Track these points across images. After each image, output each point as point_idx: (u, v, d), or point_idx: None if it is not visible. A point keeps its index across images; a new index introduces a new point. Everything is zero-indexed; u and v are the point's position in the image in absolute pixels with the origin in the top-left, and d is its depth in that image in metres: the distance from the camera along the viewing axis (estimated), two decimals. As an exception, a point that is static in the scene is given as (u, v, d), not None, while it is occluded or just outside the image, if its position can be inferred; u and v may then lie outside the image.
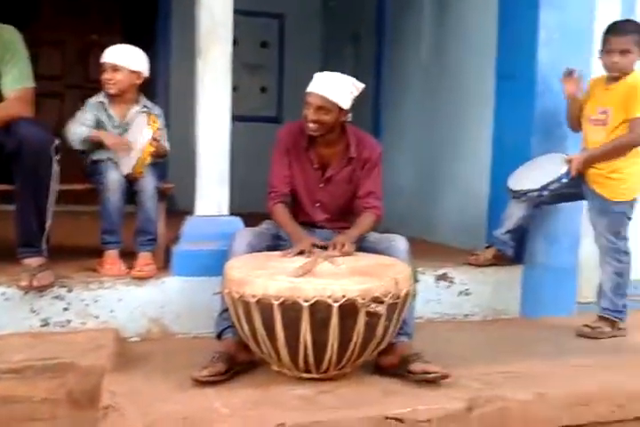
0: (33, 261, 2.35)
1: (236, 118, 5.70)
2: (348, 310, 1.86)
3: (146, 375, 2.09)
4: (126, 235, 2.60)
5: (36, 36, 4.55)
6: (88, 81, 4.98)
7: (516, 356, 2.43)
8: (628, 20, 2.78)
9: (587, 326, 2.76)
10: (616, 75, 2.68)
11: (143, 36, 4.98)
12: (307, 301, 1.84)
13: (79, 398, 2.07)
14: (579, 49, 2.85)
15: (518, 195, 2.81)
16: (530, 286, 3.02)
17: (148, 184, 2.56)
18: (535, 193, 2.74)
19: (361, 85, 2.36)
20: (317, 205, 2.48)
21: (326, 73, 2.35)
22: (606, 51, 2.66)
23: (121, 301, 2.47)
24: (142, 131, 2.50)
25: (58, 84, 5.26)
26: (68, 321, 2.41)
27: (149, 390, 1.97)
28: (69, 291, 2.41)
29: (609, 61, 2.65)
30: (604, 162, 2.68)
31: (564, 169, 2.69)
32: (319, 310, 1.85)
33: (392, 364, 2.10)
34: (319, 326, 1.87)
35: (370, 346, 1.98)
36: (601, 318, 2.78)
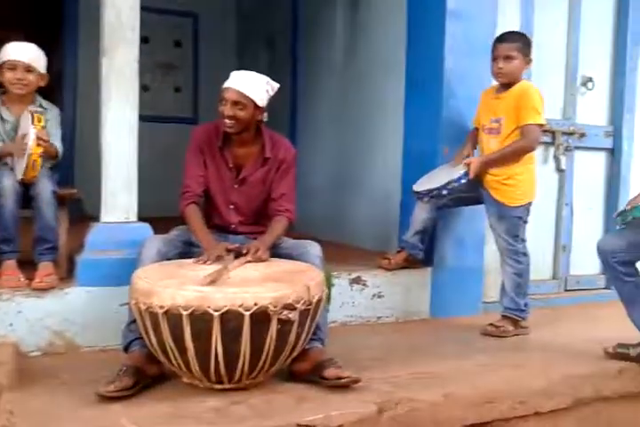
0: None
1: (151, 119, 5.57)
2: (260, 318, 1.84)
3: (48, 392, 1.98)
4: (26, 243, 2.45)
5: None
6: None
7: (426, 356, 2.50)
8: (514, 31, 2.94)
9: (491, 325, 2.88)
10: (504, 82, 2.81)
11: (49, 32, 4.74)
12: (217, 310, 1.80)
13: (-27, 421, 1.93)
14: (481, 58, 2.95)
15: (421, 195, 2.92)
16: (439, 287, 3.12)
17: (45, 189, 2.42)
18: (435, 192, 2.84)
19: (276, 85, 2.39)
20: (232, 206, 2.45)
21: (243, 71, 2.36)
22: (493, 58, 2.80)
23: (20, 313, 2.33)
24: (28, 131, 2.36)
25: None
26: (-38, 337, 2.25)
27: (51, 408, 1.87)
28: (-38, 304, 2.25)
29: (495, 67, 2.79)
30: (499, 166, 2.81)
31: (462, 170, 2.80)
32: (230, 320, 1.82)
33: (305, 370, 2.10)
34: (231, 335, 1.84)
35: (283, 353, 1.97)
36: (504, 317, 2.91)
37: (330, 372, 2.03)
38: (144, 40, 5.54)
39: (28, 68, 2.51)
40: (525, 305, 2.91)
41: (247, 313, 1.81)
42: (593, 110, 3.68)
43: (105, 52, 2.49)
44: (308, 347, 2.12)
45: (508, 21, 3.25)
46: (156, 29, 5.38)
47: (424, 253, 3.09)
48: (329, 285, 2.64)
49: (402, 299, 3.07)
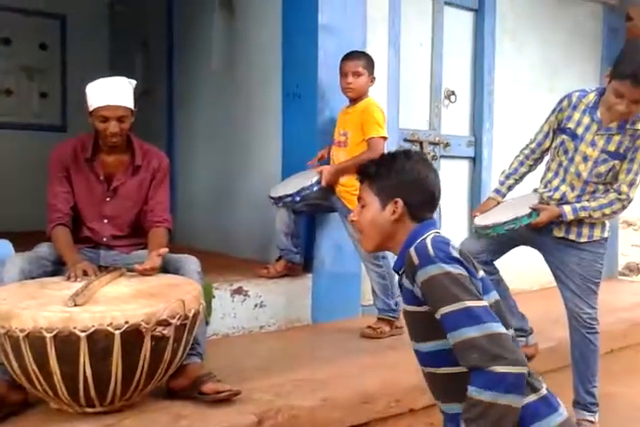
0: None
1: (15, 126, 5.20)
2: (132, 336, 1.78)
3: None
4: None
5: None
6: None
7: (307, 362, 2.54)
8: (358, 51, 3.04)
9: (369, 327, 2.99)
10: (353, 97, 2.96)
11: None
12: (84, 331, 1.71)
13: None
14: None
15: (275, 201, 2.98)
16: (319, 293, 3.19)
17: None
18: (289, 198, 2.92)
19: (134, 82, 2.36)
20: (105, 220, 2.36)
21: (104, 80, 2.28)
22: (342, 74, 2.94)
23: None
24: None
25: None
26: None
27: None
28: None
29: (344, 83, 2.94)
30: (349, 174, 2.88)
31: (314, 178, 2.91)
32: (99, 340, 1.74)
33: (183, 387, 2.05)
34: (100, 356, 1.76)
35: (158, 371, 1.91)
36: (379, 318, 3.03)
37: (208, 387, 2.01)
38: (5, 42, 5.20)
39: None
40: (396, 305, 3.03)
41: (117, 332, 1.74)
42: (456, 121, 3.94)
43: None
44: (186, 363, 2.08)
45: (377, 38, 3.40)
46: (19, 31, 5.06)
47: (303, 259, 3.15)
48: (209, 297, 2.62)
49: (284, 307, 3.09)
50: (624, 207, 2.36)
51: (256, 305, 3.00)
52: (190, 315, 1.94)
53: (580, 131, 2.33)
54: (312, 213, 3.16)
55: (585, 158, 2.32)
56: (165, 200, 2.44)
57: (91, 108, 2.24)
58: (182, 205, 4.26)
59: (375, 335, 2.95)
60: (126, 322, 1.76)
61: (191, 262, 2.29)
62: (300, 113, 3.26)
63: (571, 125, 2.35)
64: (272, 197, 3.00)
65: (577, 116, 2.34)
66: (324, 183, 2.90)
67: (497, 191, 2.63)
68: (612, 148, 2.28)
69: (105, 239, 2.38)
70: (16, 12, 4.93)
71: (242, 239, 3.83)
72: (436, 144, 3.78)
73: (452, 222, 3.92)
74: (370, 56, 2.99)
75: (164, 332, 1.82)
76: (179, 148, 4.55)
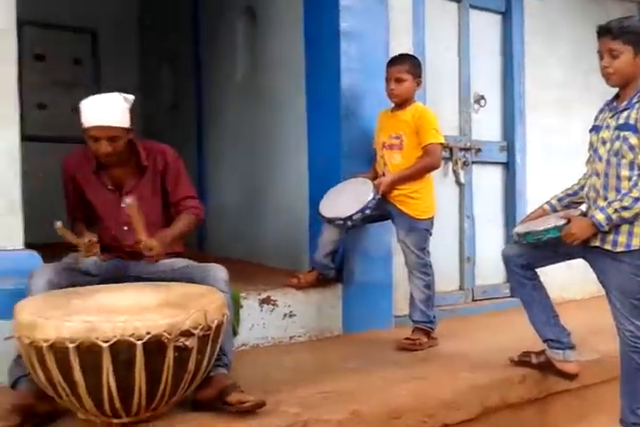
0: None
1: (47, 139, 5.29)
2: (155, 347, 1.74)
3: None
4: None
5: None
6: None
7: (337, 374, 2.47)
8: (404, 54, 3.03)
9: (407, 338, 2.89)
10: (398, 102, 2.93)
11: None
12: (106, 341, 1.69)
13: None
14: (375, 77, 3.03)
15: (330, 221, 2.89)
16: (350, 303, 3.12)
17: None
18: (358, 215, 2.79)
19: (131, 97, 2.27)
20: (125, 228, 2.34)
21: (96, 98, 2.21)
22: (386, 80, 2.92)
23: None
24: None
25: None
26: None
27: None
28: None
29: (388, 89, 2.91)
30: (406, 183, 2.88)
31: (370, 195, 2.81)
32: (121, 351, 1.71)
33: (209, 397, 2.01)
34: (123, 367, 1.73)
35: (182, 383, 1.87)
36: (417, 329, 2.94)
37: (233, 397, 1.96)
38: (39, 58, 5.33)
39: None
40: (434, 317, 2.96)
41: (139, 343, 1.71)
42: (487, 126, 3.85)
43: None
44: (212, 374, 2.04)
45: (401, 43, 3.34)
46: (53, 46, 5.19)
47: (335, 271, 3.09)
48: (237, 307, 2.58)
49: (314, 317, 3.04)
50: None
51: (285, 315, 2.95)
52: (213, 326, 1.89)
53: (600, 123, 2.36)
54: (365, 224, 3.07)
55: (603, 142, 2.29)
56: (189, 192, 2.42)
57: (83, 127, 2.20)
58: (211, 214, 4.26)
59: (415, 347, 2.85)
60: (148, 333, 1.73)
61: (218, 271, 2.26)
62: (325, 122, 3.22)
63: (596, 123, 2.39)
64: (325, 217, 2.87)
65: (601, 115, 2.39)
66: (380, 193, 2.84)
67: (548, 203, 2.56)
68: (621, 121, 2.24)
69: (130, 249, 2.37)
70: (49, 28, 5.05)
71: (270, 248, 3.81)
72: (467, 150, 3.70)
73: (487, 229, 3.82)
74: (415, 59, 2.96)
75: (187, 343, 1.79)
76: (209, 159, 4.57)
